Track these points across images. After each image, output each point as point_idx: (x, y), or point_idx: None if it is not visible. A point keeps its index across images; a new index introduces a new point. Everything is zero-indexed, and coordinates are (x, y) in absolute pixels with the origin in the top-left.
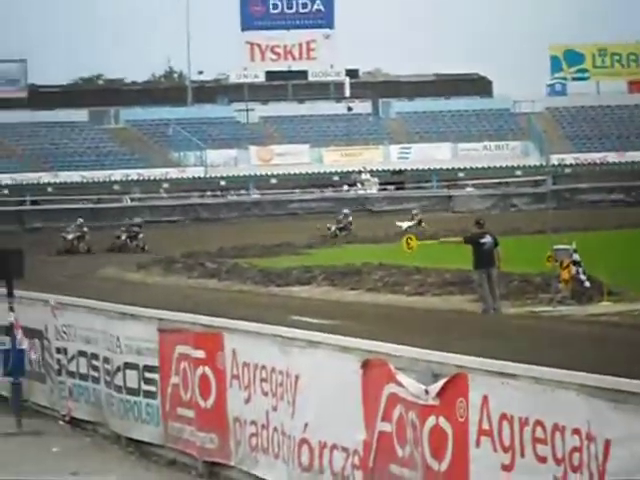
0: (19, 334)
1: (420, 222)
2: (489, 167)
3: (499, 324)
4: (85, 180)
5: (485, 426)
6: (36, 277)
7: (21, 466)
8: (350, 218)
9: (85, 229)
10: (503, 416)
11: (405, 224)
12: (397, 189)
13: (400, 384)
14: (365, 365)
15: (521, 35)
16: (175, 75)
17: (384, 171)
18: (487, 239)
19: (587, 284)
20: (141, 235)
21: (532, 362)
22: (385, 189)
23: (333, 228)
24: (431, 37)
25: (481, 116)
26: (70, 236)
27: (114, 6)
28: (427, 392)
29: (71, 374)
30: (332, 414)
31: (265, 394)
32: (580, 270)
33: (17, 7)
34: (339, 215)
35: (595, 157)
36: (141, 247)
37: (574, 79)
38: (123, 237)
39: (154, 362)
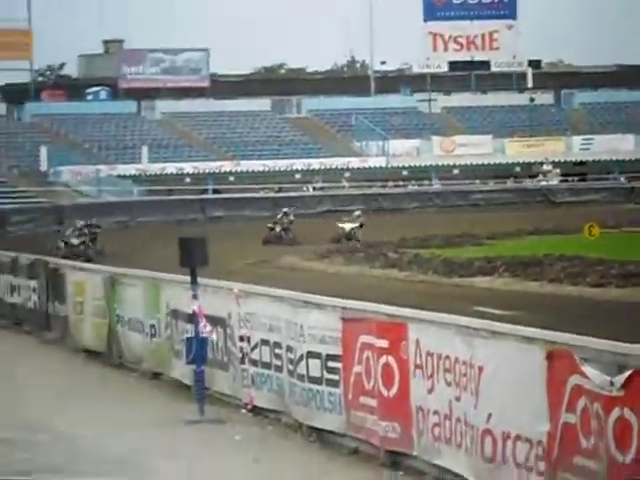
0: (204, 322)
1: (362, 225)
2: None
3: None
4: (267, 169)
5: None
6: (217, 264)
7: (203, 454)
8: (291, 217)
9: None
10: None
11: (348, 225)
12: (579, 180)
13: (585, 375)
14: (550, 356)
15: None
16: (357, 65)
17: (566, 162)
18: None
19: None
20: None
21: None
22: (567, 180)
23: (278, 229)
24: (613, 27)
25: None
26: (277, 228)
27: None
28: (612, 383)
29: (254, 362)
30: (516, 405)
31: (448, 384)
32: None
33: None
34: (278, 215)
35: None
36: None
37: None
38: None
39: (337, 351)
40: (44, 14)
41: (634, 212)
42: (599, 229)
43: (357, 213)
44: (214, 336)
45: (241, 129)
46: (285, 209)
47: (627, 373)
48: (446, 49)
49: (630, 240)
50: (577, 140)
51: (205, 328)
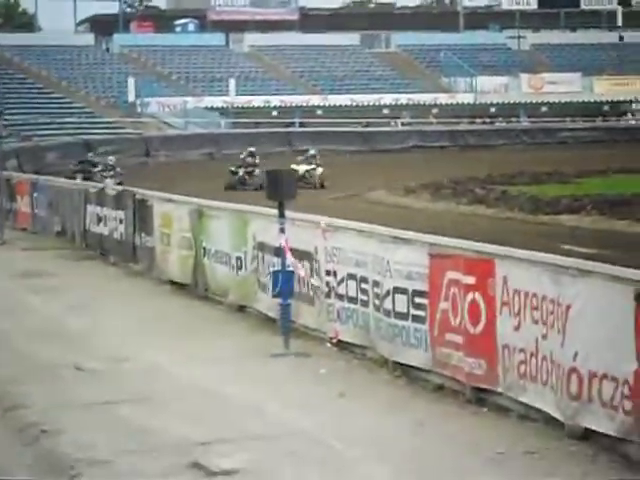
0: (290, 256)
1: (318, 165)
2: None
3: None
4: (354, 103)
5: None
6: (303, 198)
7: (289, 386)
8: (256, 159)
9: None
10: None
11: (302, 167)
12: None
13: None
14: (639, 295)
15: None
16: (446, 0)
17: None
18: None
19: None
20: (257, 171)
21: None
22: None
23: (241, 172)
24: None
25: None
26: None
27: None
28: None
29: (340, 297)
30: (603, 344)
31: (535, 322)
32: None
33: None
34: (242, 155)
35: None
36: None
37: None
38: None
39: (424, 287)
40: None
41: None
42: None
43: (312, 152)
44: (302, 272)
45: (329, 63)
46: (251, 148)
47: None
48: None
49: None
50: None
51: (293, 264)
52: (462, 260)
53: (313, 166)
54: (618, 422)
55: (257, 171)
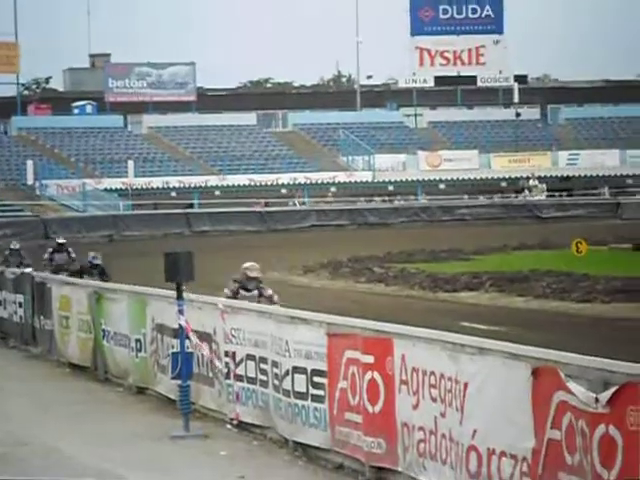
0: (193, 337)
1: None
2: None
3: None
4: (252, 183)
5: None
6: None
7: (189, 469)
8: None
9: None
10: None
11: None
12: (565, 196)
13: (570, 392)
14: (535, 372)
15: None
16: (344, 79)
17: (552, 177)
18: None
19: None
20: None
21: None
22: (553, 195)
23: None
24: (601, 43)
25: None
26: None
27: (283, 10)
28: (597, 400)
29: (239, 378)
30: (501, 421)
31: (434, 400)
32: None
33: (185, 10)
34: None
35: None
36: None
37: None
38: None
39: (322, 366)
40: (30, 27)
41: (620, 228)
42: (587, 245)
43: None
44: (205, 351)
45: (227, 143)
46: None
47: (612, 389)
48: (432, 64)
49: (616, 256)
50: (563, 155)
51: (196, 345)
52: (360, 339)
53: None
54: None
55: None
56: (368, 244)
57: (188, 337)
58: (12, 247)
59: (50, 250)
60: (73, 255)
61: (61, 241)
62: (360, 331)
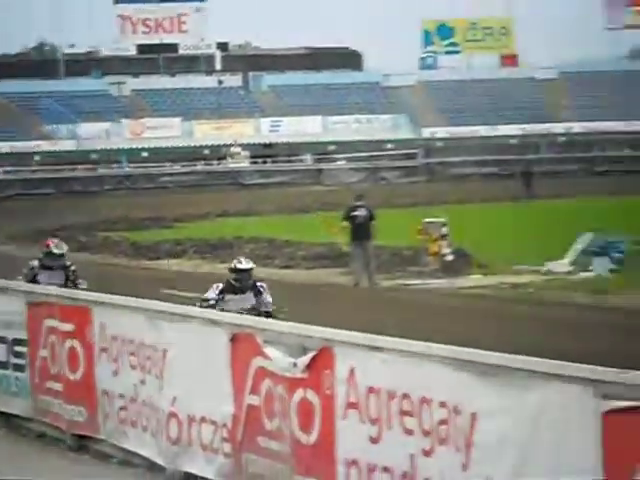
0: None
1: None
2: (360, 140)
3: (371, 297)
4: None
5: (352, 399)
6: None
7: None
8: None
9: None
10: (370, 389)
11: None
12: (269, 162)
13: (268, 357)
14: (234, 338)
15: (393, 9)
16: (47, 48)
17: (255, 144)
18: (361, 212)
19: (450, 257)
20: None
21: (402, 335)
22: (256, 162)
23: None
24: (299, 10)
25: (352, 89)
26: None
27: None
28: (295, 365)
29: None
30: (201, 387)
31: (133, 367)
32: (445, 244)
33: None
34: None
35: (467, 130)
36: None
37: (446, 53)
38: None
39: (23, 335)
40: None
41: (324, 194)
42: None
43: None
44: None
45: None
46: None
47: (310, 355)
48: (135, 32)
49: (318, 221)
50: (266, 122)
51: None
52: (59, 308)
53: None
54: (217, 465)
55: None
56: (73, 213)
57: None
58: None
59: None
60: None
61: None
62: (58, 300)
